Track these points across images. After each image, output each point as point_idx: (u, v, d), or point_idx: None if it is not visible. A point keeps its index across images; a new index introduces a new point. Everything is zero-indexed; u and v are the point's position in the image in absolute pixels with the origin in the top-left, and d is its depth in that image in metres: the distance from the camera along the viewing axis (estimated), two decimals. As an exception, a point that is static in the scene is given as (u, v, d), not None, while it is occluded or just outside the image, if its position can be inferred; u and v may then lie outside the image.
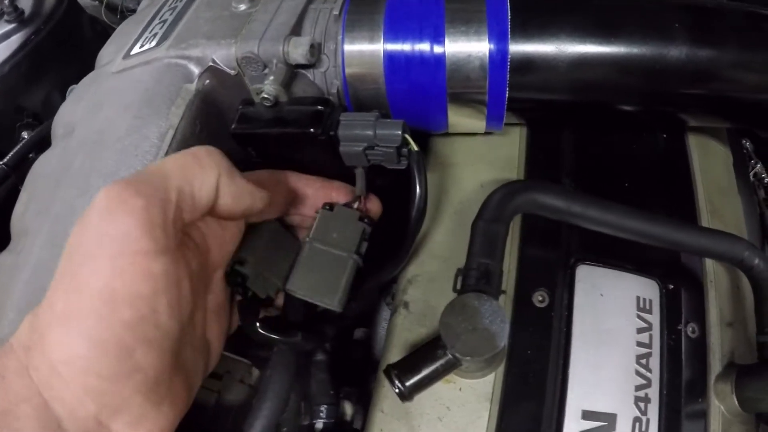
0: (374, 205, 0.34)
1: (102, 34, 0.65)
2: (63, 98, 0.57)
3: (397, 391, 0.30)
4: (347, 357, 0.45)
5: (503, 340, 0.29)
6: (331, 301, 0.31)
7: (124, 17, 0.62)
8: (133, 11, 0.63)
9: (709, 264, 0.41)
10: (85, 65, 0.58)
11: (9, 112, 0.58)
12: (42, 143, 0.54)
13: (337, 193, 0.34)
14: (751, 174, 0.59)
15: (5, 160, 0.53)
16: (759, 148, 0.58)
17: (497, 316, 0.29)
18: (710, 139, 0.46)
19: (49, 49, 0.59)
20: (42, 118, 0.59)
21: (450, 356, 0.29)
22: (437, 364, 0.30)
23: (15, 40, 0.58)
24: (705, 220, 0.42)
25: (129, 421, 0.24)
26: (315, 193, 0.34)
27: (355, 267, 0.32)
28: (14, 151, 0.53)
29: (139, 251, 0.23)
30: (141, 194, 0.23)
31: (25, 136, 0.56)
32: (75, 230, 0.24)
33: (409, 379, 0.30)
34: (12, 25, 0.58)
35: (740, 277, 0.41)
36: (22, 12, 0.59)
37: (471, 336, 0.29)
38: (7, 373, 0.23)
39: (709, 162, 0.45)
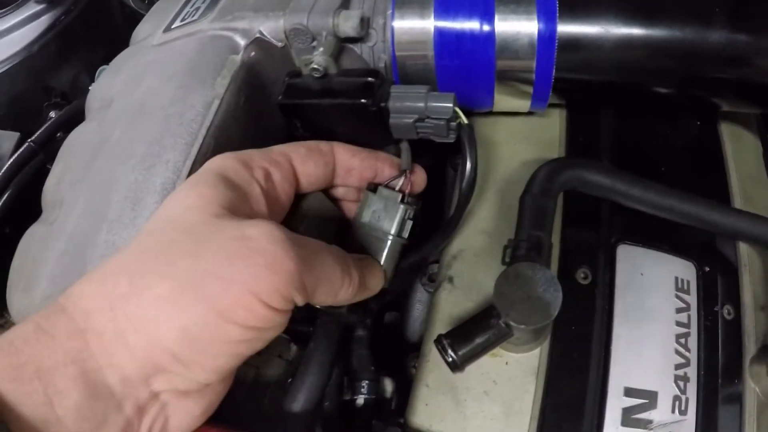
0: (419, 177, 0.34)
1: (130, 17, 0.65)
2: (91, 79, 0.57)
3: (450, 360, 0.30)
4: (379, 339, 0.44)
5: (557, 309, 0.29)
6: None
7: (152, 1, 0.62)
8: (161, -4, 0.63)
9: (743, 248, 0.41)
10: (114, 47, 0.58)
11: (37, 91, 0.57)
12: (70, 123, 0.53)
13: (383, 164, 0.34)
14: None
15: (33, 138, 0.52)
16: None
17: (551, 284, 0.29)
18: (742, 128, 0.46)
19: (78, 30, 0.58)
20: (70, 99, 0.58)
21: (503, 325, 0.29)
22: (490, 333, 0.30)
23: (44, 21, 0.58)
24: (739, 206, 0.42)
25: (180, 392, 0.24)
26: (361, 164, 0.34)
27: (397, 246, 0.32)
28: (42, 129, 0.53)
29: (269, 306, 0.23)
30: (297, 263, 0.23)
31: (53, 116, 0.56)
32: (207, 227, 0.24)
33: (462, 348, 0.30)
34: (41, 6, 0.58)
35: (773, 263, 0.42)
36: (52, -7, 0.58)
37: (525, 305, 0.29)
38: (57, 333, 0.22)
39: (742, 150, 0.45)
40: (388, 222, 0.33)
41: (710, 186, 0.42)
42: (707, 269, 0.39)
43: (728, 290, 0.39)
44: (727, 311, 0.39)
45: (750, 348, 0.38)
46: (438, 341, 0.30)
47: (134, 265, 0.24)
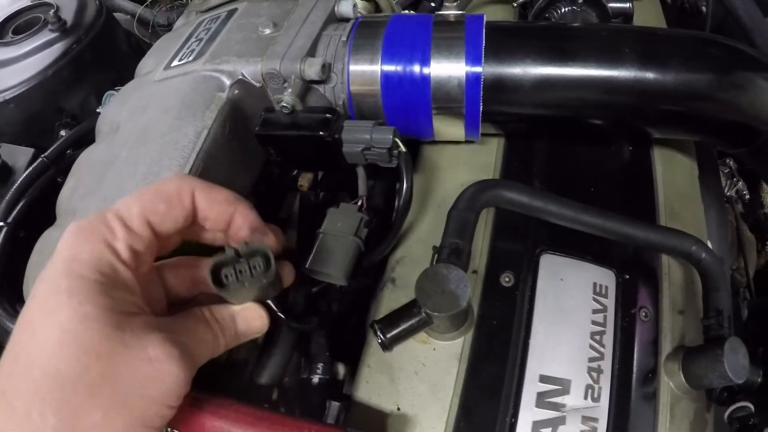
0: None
1: (135, 46, 0.82)
2: (98, 102, 0.73)
3: (379, 341, 0.43)
4: (342, 338, 0.58)
5: (465, 300, 0.42)
6: (338, 274, 0.45)
7: (155, 31, 0.79)
8: (163, 26, 0.80)
9: (665, 259, 0.54)
10: (120, 74, 0.75)
11: (50, 112, 0.74)
12: (79, 141, 0.70)
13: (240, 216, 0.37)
14: (734, 190, 0.73)
15: (46, 153, 0.68)
16: (741, 168, 0.72)
17: (461, 282, 0.43)
18: (676, 152, 0.59)
19: (88, 58, 0.75)
20: (79, 119, 0.75)
21: (423, 314, 0.43)
22: (413, 320, 0.43)
23: (58, 48, 0.75)
24: (663, 222, 0.55)
25: None
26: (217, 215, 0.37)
27: (355, 246, 0.46)
28: (54, 146, 0.69)
29: (174, 407, 0.33)
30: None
31: (63, 134, 0.73)
32: (113, 347, 0.30)
33: (389, 332, 0.43)
34: (55, 34, 0.75)
35: (694, 273, 0.54)
36: (65, 23, 0.76)
37: (440, 297, 0.42)
38: None
39: (673, 172, 0.58)
40: (349, 227, 0.47)
41: (637, 204, 0.55)
42: (627, 276, 0.52)
43: (647, 295, 0.52)
44: (644, 314, 0.51)
45: (666, 347, 0.51)
46: (372, 326, 0.44)
47: (56, 396, 0.29)
